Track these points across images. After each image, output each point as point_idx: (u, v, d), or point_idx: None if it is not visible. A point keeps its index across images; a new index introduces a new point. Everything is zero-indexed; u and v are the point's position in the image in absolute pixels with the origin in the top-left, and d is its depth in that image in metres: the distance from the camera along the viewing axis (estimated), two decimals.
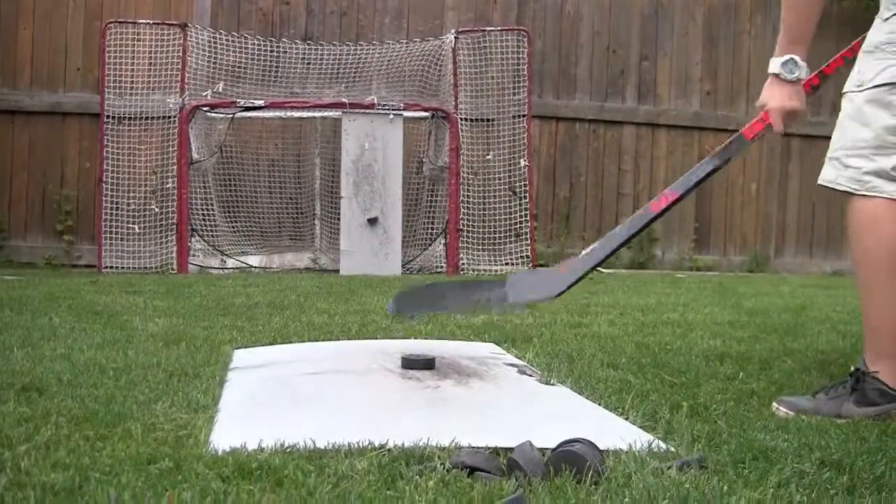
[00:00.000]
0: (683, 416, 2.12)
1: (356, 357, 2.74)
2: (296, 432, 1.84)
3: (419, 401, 2.24)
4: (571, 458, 1.64)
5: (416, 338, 3.33)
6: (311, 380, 2.48)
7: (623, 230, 2.42)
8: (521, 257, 7.10)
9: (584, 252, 2.35)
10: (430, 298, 2.19)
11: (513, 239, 7.17)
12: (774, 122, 2.48)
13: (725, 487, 1.59)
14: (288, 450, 1.76)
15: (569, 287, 2.38)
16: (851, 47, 2.60)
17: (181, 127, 6.78)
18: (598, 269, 7.70)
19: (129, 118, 6.94)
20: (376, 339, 3.30)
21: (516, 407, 2.25)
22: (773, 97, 2.44)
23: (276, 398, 2.30)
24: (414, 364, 2.43)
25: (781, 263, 8.35)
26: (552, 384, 2.48)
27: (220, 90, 7.03)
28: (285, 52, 7.32)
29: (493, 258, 7.14)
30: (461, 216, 7.03)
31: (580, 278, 2.41)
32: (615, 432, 1.95)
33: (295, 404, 2.25)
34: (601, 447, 1.71)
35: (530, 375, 2.59)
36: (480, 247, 7.13)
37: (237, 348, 3.01)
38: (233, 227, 7.29)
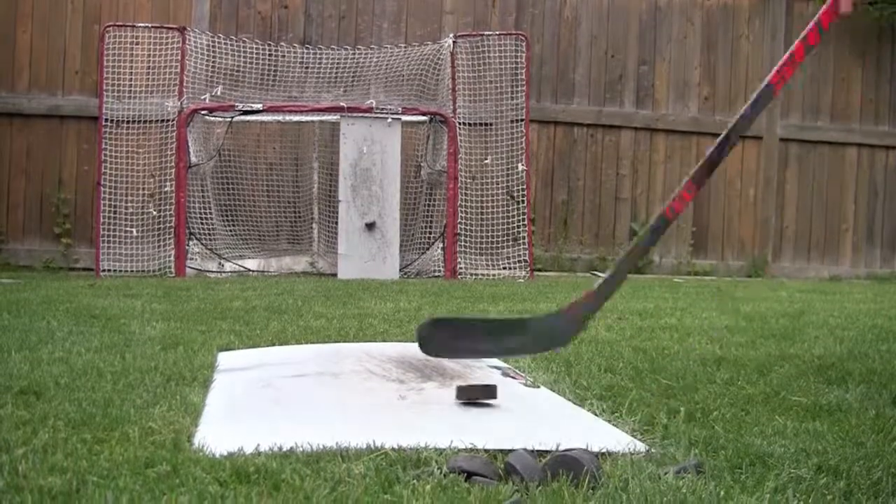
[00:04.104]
0: (681, 421, 2.12)
1: (340, 359, 2.73)
2: (279, 435, 1.84)
3: (401, 404, 2.24)
4: (568, 463, 1.64)
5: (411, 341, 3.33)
6: (295, 382, 2.48)
7: (638, 243, 2.27)
8: (519, 262, 7.10)
9: (598, 281, 2.21)
10: (462, 338, 2.08)
11: (511, 243, 7.17)
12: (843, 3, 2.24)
13: (722, 493, 1.59)
14: (285, 454, 1.76)
15: (580, 328, 2.25)
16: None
17: (179, 130, 6.78)
18: (596, 273, 7.70)
19: (128, 121, 6.95)
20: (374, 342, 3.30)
21: (500, 409, 2.25)
22: None
23: (260, 401, 2.30)
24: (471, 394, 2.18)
25: (779, 268, 8.36)
26: (537, 387, 2.48)
27: (219, 94, 7.04)
28: (284, 57, 7.33)
29: (490, 262, 7.14)
30: (459, 220, 7.03)
31: (593, 313, 2.28)
32: (598, 434, 1.96)
33: (278, 407, 2.25)
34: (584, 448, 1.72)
35: (514, 378, 2.59)
36: (478, 251, 7.13)
37: (221, 350, 3.00)
38: (231, 230, 7.29)
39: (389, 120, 6.83)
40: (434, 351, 2.14)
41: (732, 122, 2.25)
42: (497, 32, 7.49)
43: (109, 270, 6.70)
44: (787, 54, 2.22)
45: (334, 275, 6.81)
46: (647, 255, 2.18)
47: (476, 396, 2.11)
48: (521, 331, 2.16)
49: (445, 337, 2.13)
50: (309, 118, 7.28)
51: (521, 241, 7.16)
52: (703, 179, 2.27)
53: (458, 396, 2.13)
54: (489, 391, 2.11)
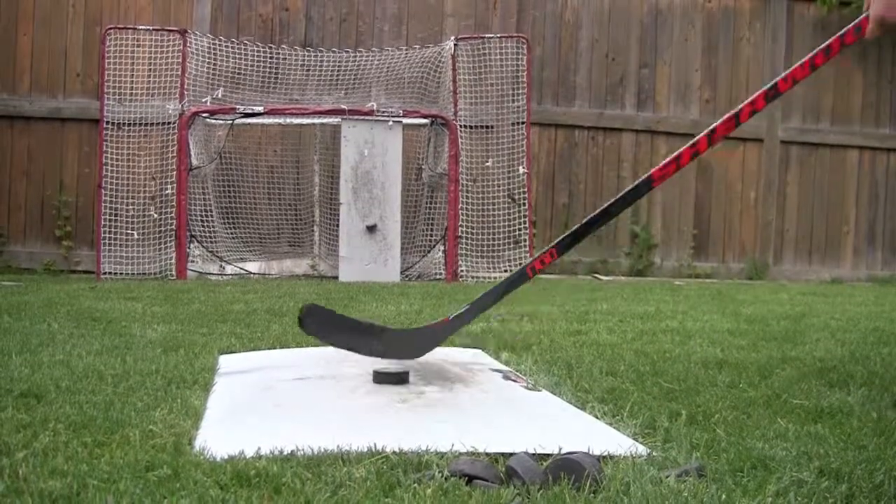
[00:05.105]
0: (682, 424, 2.12)
1: (341, 362, 2.73)
2: (280, 439, 1.84)
3: (402, 407, 2.23)
4: (570, 466, 1.64)
5: None
6: (296, 385, 2.47)
7: (499, 286, 2.49)
8: (520, 264, 7.09)
9: (456, 312, 2.48)
10: (339, 330, 2.43)
11: (512, 246, 7.17)
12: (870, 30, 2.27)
13: (724, 496, 1.59)
14: (286, 457, 1.76)
15: (435, 345, 2.59)
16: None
17: (180, 133, 6.79)
18: (597, 276, 7.70)
19: (129, 124, 6.95)
20: None
21: (501, 412, 2.24)
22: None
23: (261, 404, 2.29)
24: (385, 379, 2.46)
25: (780, 271, 8.35)
26: (538, 390, 2.48)
27: (220, 96, 7.04)
28: (285, 59, 7.34)
29: (491, 265, 7.14)
30: (460, 223, 7.03)
31: (446, 336, 2.64)
32: (599, 437, 1.95)
33: (279, 410, 2.24)
34: (586, 451, 1.72)
35: (515, 381, 2.58)
36: (479, 254, 7.13)
37: (222, 353, 3.00)
38: (232, 233, 7.29)
39: (390, 122, 6.83)
40: (310, 331, 2.39)
41: (604, 207, 2.51)
42: (498, 35, 7.49)
43: (110, 273, 6.70)
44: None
45: (335, 277, 6.81)
46: (497, 302, 2.53)
47: (390, 382, 2.40)
48: (381, 337, 2.45)
49: (323, 323, 2.40)
50: (310, 121, 7.28)
51: (522, 244, 7.16)
52: (566, 250, 2.57)
53: (374, 380, 2.41)
54: (401, 378, 2.41)
